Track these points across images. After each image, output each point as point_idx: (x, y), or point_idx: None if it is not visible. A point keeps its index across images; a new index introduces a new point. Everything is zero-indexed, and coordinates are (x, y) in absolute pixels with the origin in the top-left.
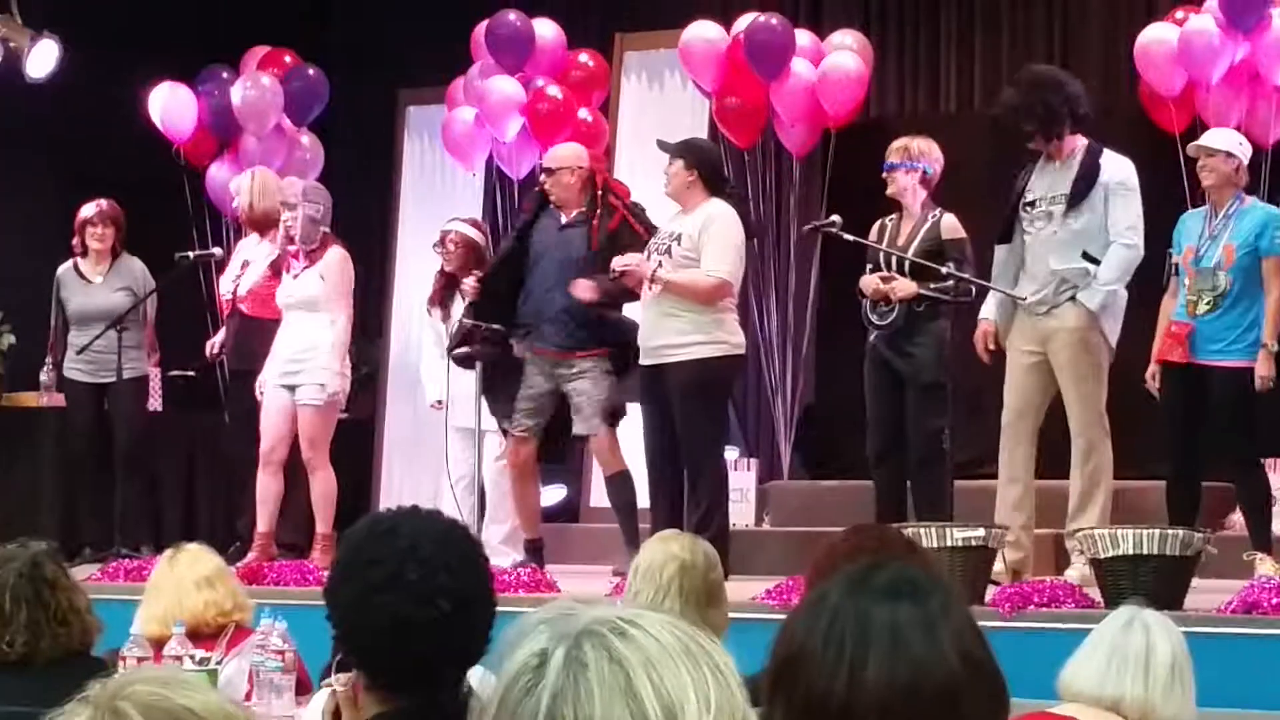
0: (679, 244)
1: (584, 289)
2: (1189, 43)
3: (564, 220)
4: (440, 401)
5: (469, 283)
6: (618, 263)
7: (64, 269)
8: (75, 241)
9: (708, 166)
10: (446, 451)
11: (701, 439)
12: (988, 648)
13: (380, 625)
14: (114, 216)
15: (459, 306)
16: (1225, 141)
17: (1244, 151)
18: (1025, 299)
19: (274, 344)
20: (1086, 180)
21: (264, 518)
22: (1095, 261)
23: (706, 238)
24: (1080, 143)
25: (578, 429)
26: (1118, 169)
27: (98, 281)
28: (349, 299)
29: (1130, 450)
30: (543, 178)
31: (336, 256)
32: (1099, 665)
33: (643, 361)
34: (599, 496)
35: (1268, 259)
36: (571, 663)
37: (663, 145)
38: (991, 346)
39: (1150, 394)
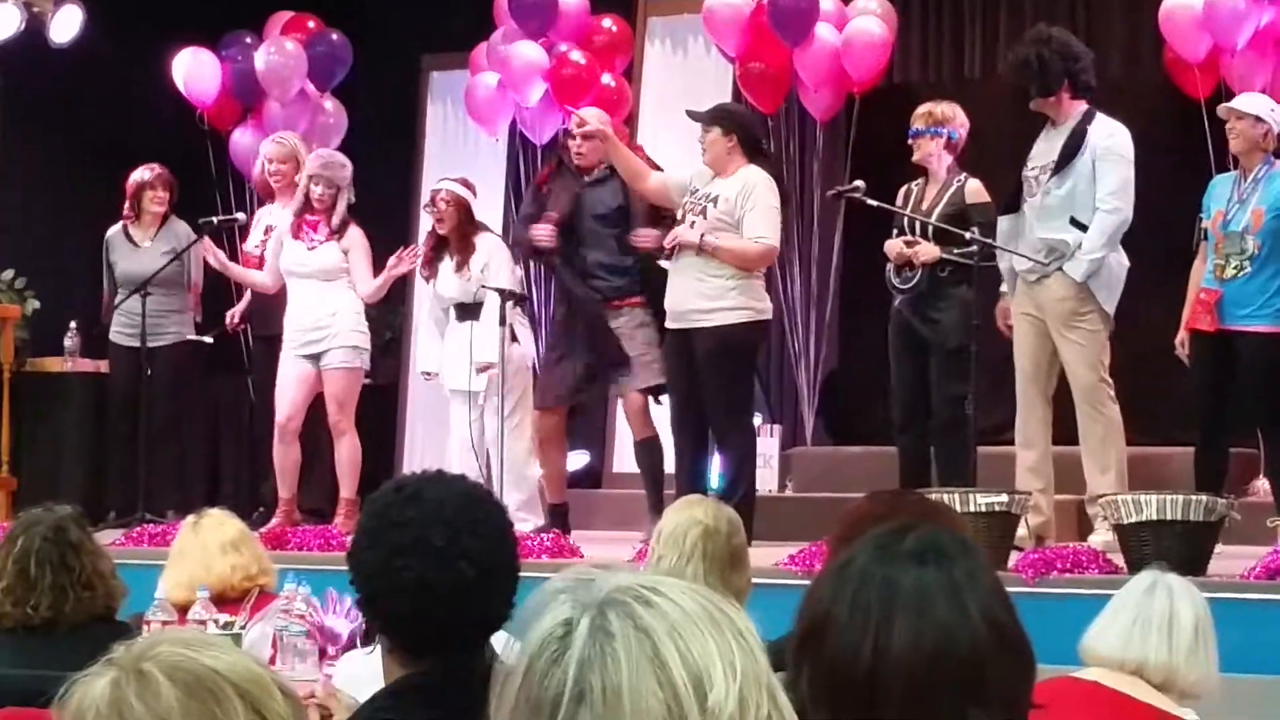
0: (715, 206)
1: (647, 238)
2: (1214, 8)
3: (587, 180)
4: (430, 373)
5: (543, 231)
6: (668, 239)
7: (113, 232)
8: (127, 207)
9: (745, 131)
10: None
11: (728, 405)
12: (1014, 613)
13: (404, 589)
14: (169, 180)
15: (447, 266)
16: (1255, 106)
17: (1274, 117)
18: (1044, 261)
19: (287, 314)
20: (1072, 146)
21: (285, 485)
22: (1083, 228)
23: (749, 204)
24: (1079, 109)
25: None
26: (1106, 134)
27: (146, 246)
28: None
29: (1153, 416)
30: (573, 140)
31: (359, 233)
32: (1122, 629)
33: (670, 325)
34: (622, 462)
35: None
36: (597, 631)
37: (693, 114)
38: (1010, 322)
39: (1177, 360)
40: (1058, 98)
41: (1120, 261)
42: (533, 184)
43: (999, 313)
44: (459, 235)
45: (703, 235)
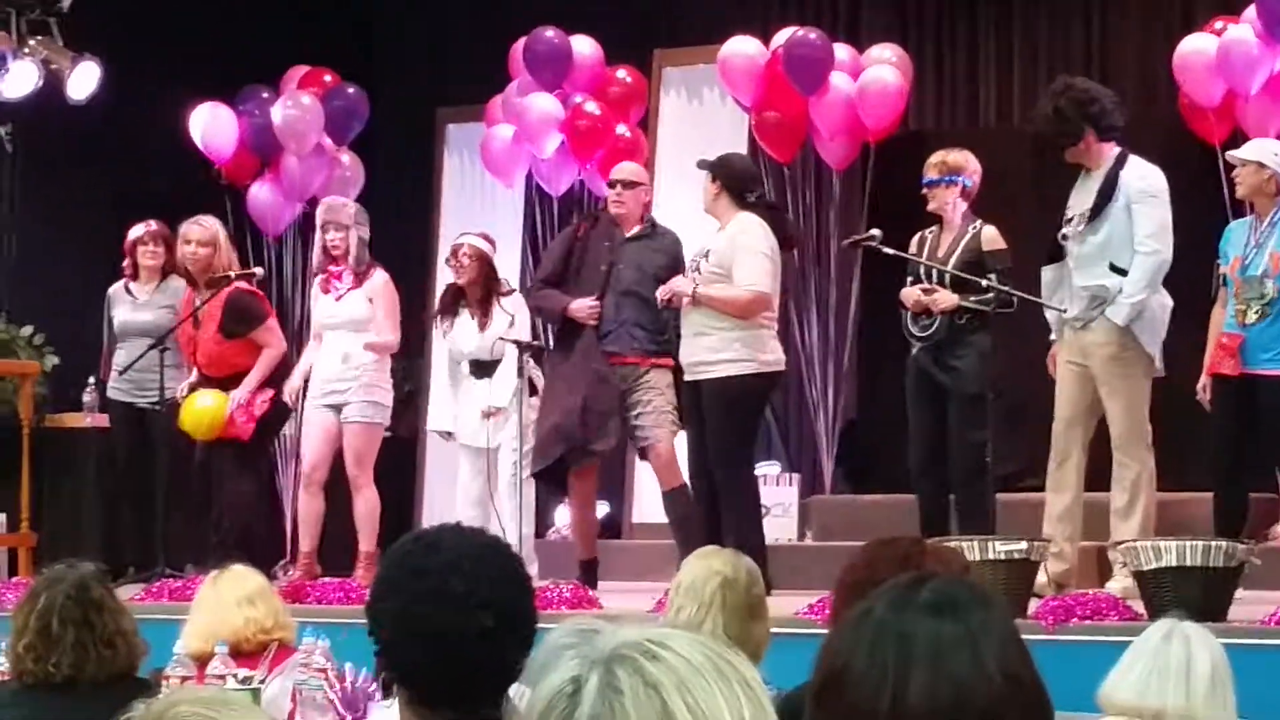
0: (706, 260)
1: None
2: (1228, 53)
3: (627, 235)
4: (449, 433)
5: (585, 310)
6: (662, 291)
7: (115, 288)
8: (126, 263)
9: (731, 178)
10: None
11: (727, 455)
12: (1030, 663)
13: (423, 638)
14: (164, 235)
15: (464, 320)
16: (1257, 152)
17: (1279, 161)
18: (1064, 310)
19: (314, 364)
20: (1105, 192)
21: (306, 537)
22: (1123, 272)
23: (735, 251)
24: (1111, 152)
25: (645, 436)
26: (1139, 176)
27: (143, 299)
28: (398, 319)
29: (1175, 462)
30: (613, 192)
31: (384, 279)
32: (1139, 677)
33: (686, 378)
34: (642, 513)
35: None
36: (605, 689)
37: (701, 164)
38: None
39: (1199, 406)
40: (1085, 144)
41: (1162, 303)
42: (560, 241)
43: (1050, 360)
44: (479, 288)
45: (695, 287)
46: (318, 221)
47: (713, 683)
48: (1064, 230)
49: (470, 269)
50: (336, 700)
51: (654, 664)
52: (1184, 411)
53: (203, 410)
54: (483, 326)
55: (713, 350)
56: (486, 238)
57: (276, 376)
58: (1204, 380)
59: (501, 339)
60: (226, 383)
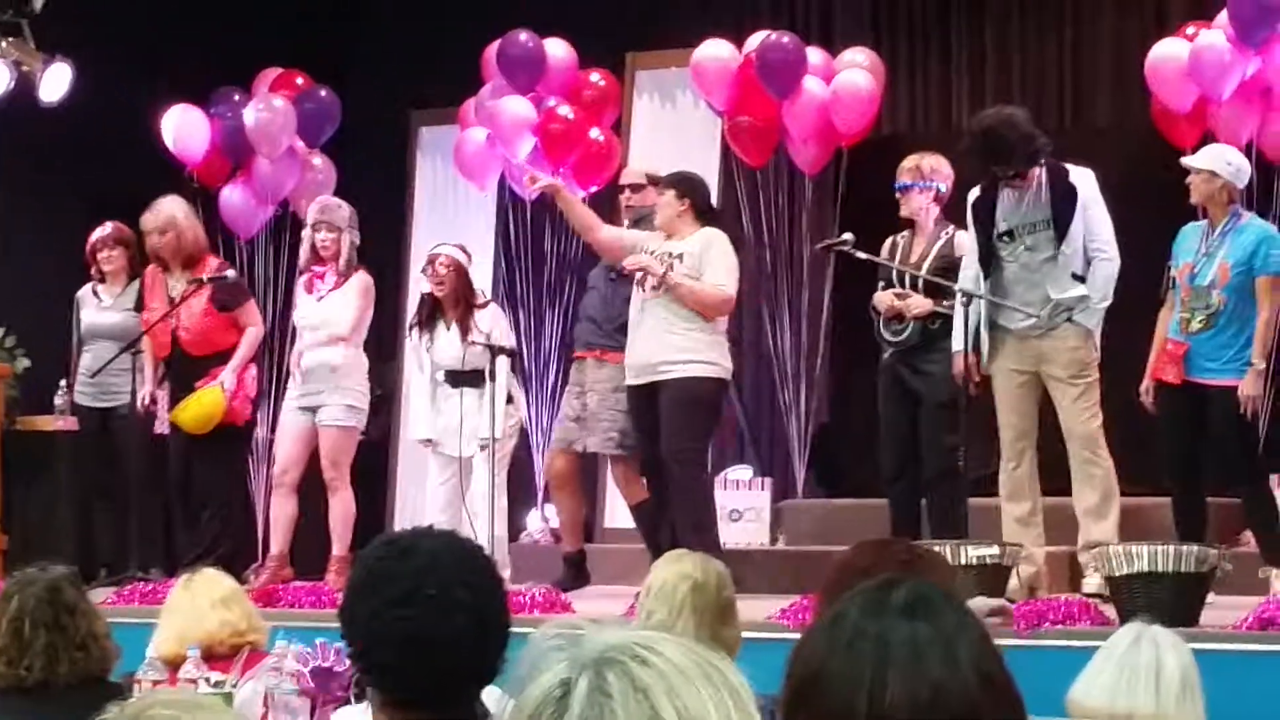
0: (681, 262)
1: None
2: (1200, 58)
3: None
4: (430, 440)
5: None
6: (630, 261)
7: (83, 291)
8: (93, 268)
9: (698, 195)
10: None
11: (688, 454)
12: (1003, 663)
13: (397, 641)
14: (121, 238)
15: (443, 333)
16: (1210, 160)
17: (1231, 170)
18: (1039, 316)
19: (292, 365)
20: (1067, 202)
21: (278, 540)
22: (1080, 279)
23: (709, 257)
24: (1038, 167)
25: (591, 444)
26: (1086, 183)
27: (108, 301)
28: (363, 316)
29: (1137, 466)
30: (623, 194)
31: (366, 282)
32: (1109, 681)
33: (632, 381)
34: (614, 518)
35: (1260, 278)
36: (595, 692)
37: (653, 179)
38: (976, 377)
39: (1147, 409)
40: (1026, 175)
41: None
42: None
43: (962, 370)
44: (456, 300)
45: (668, 271)
46: (309, 220)
47: (701, 688)
48: (1010, 242)
49: (448, 279)
50: (308, 676)
51: (643, 668)
52: (1149, 415)
53: (205, 403)
54: (463, 337)
55: (681, 350)
56: (463, 249)
57: (255, 356)
58: (1147, 383)
59: (474, 342)
60: (206, 362)
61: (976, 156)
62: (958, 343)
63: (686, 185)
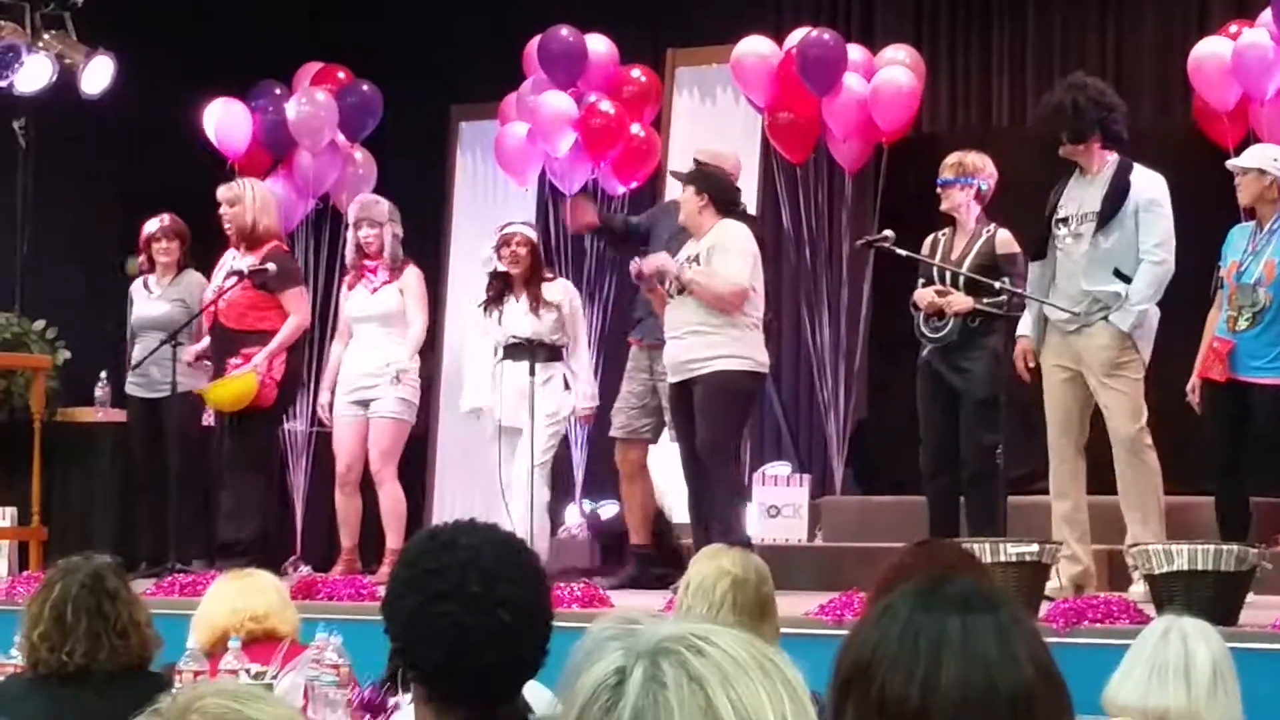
0: (696, 264)
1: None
2: (1242, 57)
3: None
4: (478, 409)
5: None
6: (648, 263)
7: (136, 283)
8: (142, 259)
9: (718, 189)
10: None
11: (722, 447)
12: (1053, 659)
13: (441, 636)
14: (177, 230)
15: (511, 307)
16: (1257, 159)
17: (1279, 167)
18: (1079, 313)
19: (343, 360)
20: (1115, 198)
21: (347, 534)
22: (1126, 279)
23: (719, 250)
24: (1111, 159)
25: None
26: (1148, 185)
27: (156, 293)
28: (426, 310)
29: (1180, 465)
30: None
31: (418, 275)
32: (1140, 678)
33: (671, 379)
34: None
35: None
36: (650, 681)
37: (675, 174)
38: (1031, 364)
39: (1192, 409)
40: (1088, 146)
41: (1155, 311)
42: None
43: (1019, 354)
44: (528, 276)
45: (683, 270)
46: (350, 219)
47: (756, 680)
48: (1064, 230)
49: (524, 257)
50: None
51: (699, 658)
52: (1189, 414)
53: (232, 382)
54: (534, 310)
55: (711, 346)
56: (532, 225)
57: (295, 345)
58: (1194, 381)
59: (546, 306)
60: (241, 337)
61: (1046, 117)
62: (1024, 327)
63: (703, 180)
